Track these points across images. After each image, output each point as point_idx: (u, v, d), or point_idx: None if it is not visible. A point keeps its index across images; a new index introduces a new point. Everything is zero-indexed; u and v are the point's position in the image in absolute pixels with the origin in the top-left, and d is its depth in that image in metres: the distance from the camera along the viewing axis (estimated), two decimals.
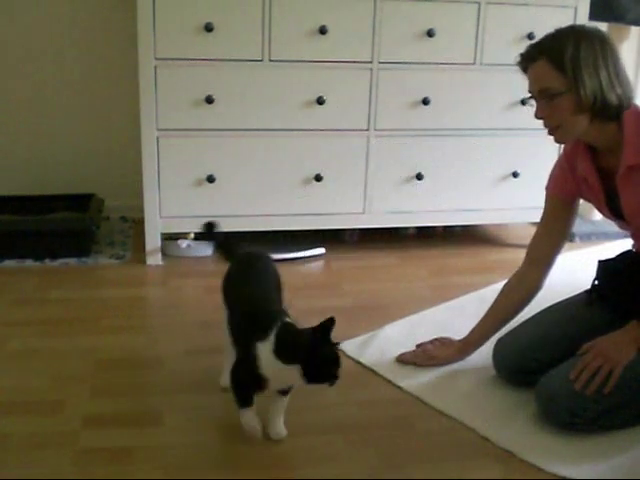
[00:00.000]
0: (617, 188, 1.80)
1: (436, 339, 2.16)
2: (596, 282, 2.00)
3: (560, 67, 1.69)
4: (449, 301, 2.52)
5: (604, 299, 1.97)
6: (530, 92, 1.78)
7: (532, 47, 1.76)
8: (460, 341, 2.11)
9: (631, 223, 1.85)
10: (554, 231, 2.00)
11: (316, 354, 1.56)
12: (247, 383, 1.63)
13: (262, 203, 2.79)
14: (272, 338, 1.59)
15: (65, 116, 3.12)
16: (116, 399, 1.88)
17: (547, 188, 2.00)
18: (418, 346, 2.15)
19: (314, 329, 1.58)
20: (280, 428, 1.71)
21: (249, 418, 1.65)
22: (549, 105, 1.73)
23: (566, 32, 1.73)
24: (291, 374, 1.57)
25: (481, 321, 2.09)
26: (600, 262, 2.00)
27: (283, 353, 1.58)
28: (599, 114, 1.71)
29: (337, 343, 1.60)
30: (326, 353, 1.58)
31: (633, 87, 1.76)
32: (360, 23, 2.68)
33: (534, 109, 1.77)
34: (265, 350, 1.58)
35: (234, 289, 1.80)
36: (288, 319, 1.66)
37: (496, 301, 2.07)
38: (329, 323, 1.58)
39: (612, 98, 1.69)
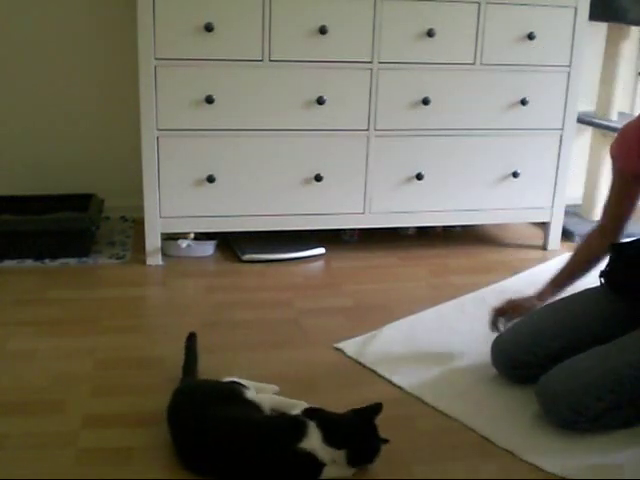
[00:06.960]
0: None
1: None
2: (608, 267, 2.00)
3: None
4: (449, 301, 2.52)
5: (615, 282, 1.97)
6: None
7: None
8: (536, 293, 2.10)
9: None
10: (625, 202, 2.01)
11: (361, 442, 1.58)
12: None
13: (262, 203, 2.79)
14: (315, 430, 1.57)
15: (65, 116, 3.12)
16: (116, 399, 1.88)
17: (615, 159, 1.99)
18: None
19: (357, 413, 1.60)
20: None
21: None
22: None
23: None
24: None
25: (559, 270, 2.09)
26: (614, 245, 2.01)
27: (333, 440, 1.56)
28: None
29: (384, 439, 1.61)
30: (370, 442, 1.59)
31: None
32: (360, 23, 2.68)
33: None
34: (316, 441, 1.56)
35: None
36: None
37: (576, 250, 2.09)
38: (376, 410, 1.60)
39: None
